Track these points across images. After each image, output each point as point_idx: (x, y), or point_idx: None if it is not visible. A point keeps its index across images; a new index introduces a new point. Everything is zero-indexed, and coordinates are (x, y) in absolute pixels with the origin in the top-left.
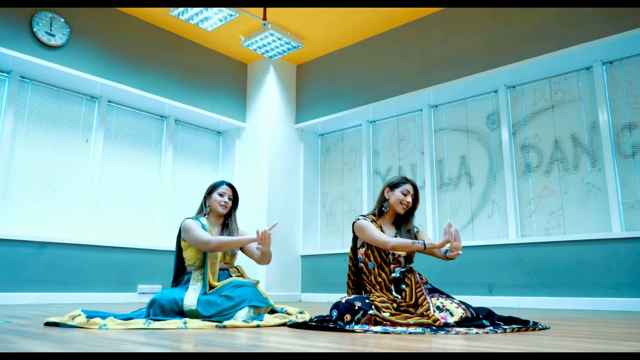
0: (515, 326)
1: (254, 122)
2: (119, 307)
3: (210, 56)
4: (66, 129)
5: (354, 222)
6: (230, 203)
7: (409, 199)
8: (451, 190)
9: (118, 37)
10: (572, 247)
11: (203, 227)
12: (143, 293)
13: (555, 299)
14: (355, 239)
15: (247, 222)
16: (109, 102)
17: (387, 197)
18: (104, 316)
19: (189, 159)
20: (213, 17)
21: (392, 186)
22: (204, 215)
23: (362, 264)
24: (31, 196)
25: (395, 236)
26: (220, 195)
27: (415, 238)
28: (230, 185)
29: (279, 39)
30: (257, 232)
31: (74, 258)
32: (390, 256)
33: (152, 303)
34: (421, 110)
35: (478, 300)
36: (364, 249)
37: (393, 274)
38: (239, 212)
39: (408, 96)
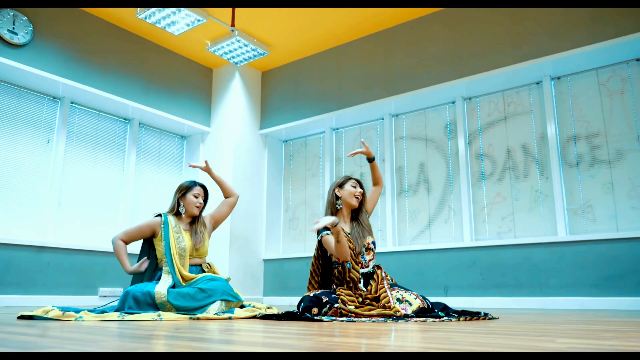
0: (468, 316)
1: (219, 127)
2: None
3: (176, 60)
4: (27, 129)
5: (320, 237)
6: (203, 204)
7: (360, 189)
8: (410, 197)
9: (83, 38)
10: (522, 250)
11: (166, 225)
12: (104, 296)
13: (506, 299)
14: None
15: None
16: (71, 103)
17: (339, 196)
18: (77, 310)
19: (152, 163)
20: (180, 22)
21: (340, 185)
22: (176, 215)
23: (339, 265)
24: None
25: (352, 230)
26: (195, 196)
27: (367, 228)
28: (203, 186)
29: (245, 45)
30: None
31: (33, 260)
32: (359, 256)
33: (126, 295)
34: (383, 119)
35: (434, 301)
36: None
37: (365, 269)
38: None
39: (370, 105)
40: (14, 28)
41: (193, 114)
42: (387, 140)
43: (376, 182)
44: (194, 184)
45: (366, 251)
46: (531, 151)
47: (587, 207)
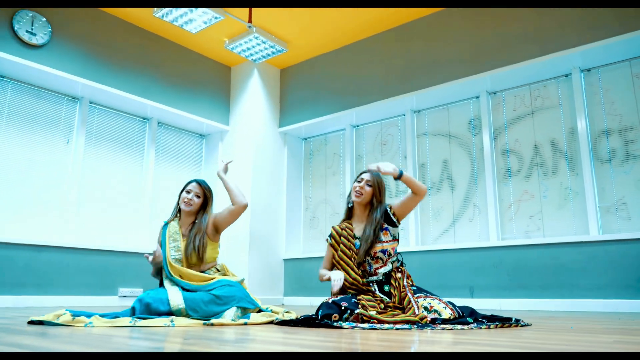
0: (498, 322)
1: (238, 125)
2: (99, 310)
3: (194, 58)
4: (46, 130)
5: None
6: (195, 200)
7: (362, 184)
8: (433, 194)
9: (100, 38)
10: (551, 250)
11: (164, 230)
12: (124, 296)
13: (534, 301)
14: None
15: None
16: (90, 103)
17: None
18: (89, 315)
19: (172, 162)
20: (197, 20)
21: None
22: (175, 217)
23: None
24: (9, 196)
25: (363, 233)
26: (187, 192)
27: (378, 225)
28: (199, 182)
29: (264, 43)
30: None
31: (53, 260)
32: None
33: (138, 302)
34: (404, 115)
35: (460, 303)
36: None
37: (373, 277)
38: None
39: (391, 101)
40: (32, 29)
41: (212, 112)
42: (409, 137)
43: (413, 192)
44: (190, 180)
45: (373, 260)
46: (560, 147)
47: (620, 205)
